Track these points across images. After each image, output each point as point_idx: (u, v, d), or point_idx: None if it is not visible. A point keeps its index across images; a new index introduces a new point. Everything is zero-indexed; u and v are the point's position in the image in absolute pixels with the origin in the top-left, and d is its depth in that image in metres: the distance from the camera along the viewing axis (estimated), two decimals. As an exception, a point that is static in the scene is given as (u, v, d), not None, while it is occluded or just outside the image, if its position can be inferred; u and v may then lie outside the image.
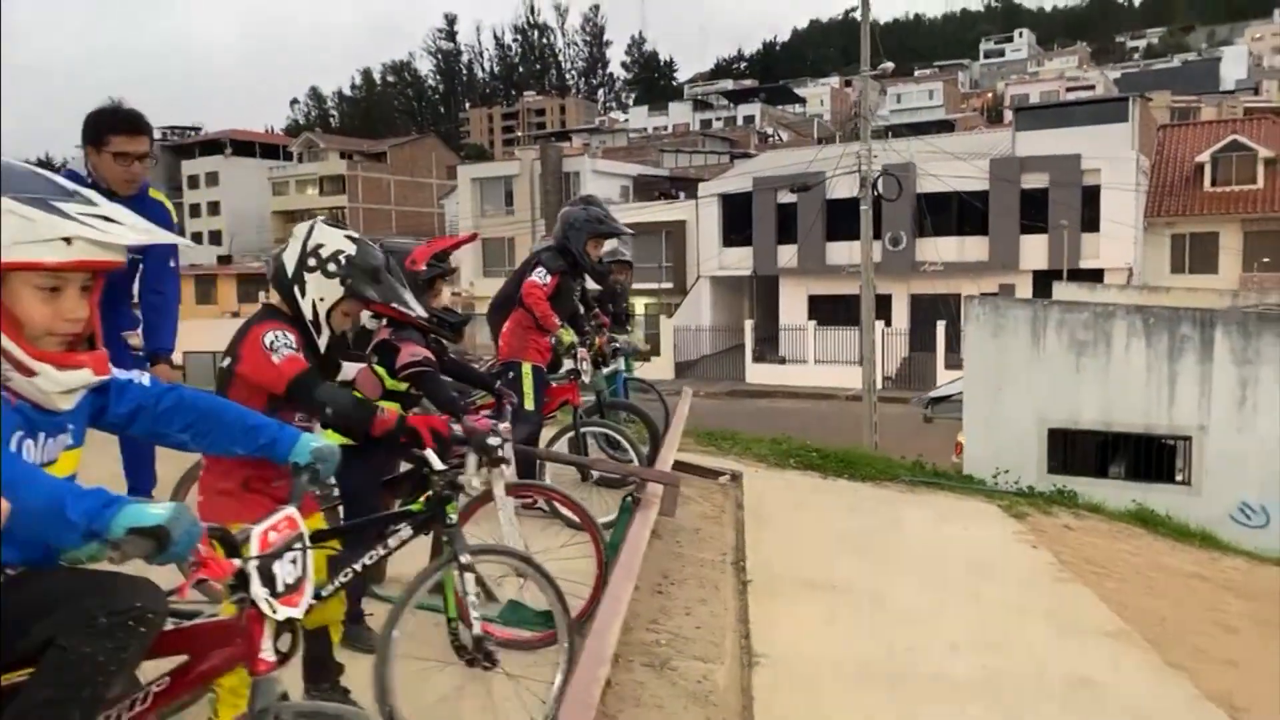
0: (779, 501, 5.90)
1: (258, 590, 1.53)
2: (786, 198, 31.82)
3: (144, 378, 1.82)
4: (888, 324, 29.34)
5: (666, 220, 35.32)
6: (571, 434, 4.89)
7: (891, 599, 4.20)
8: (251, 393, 2.38)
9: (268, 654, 1.59)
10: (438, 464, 2.55)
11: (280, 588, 1.58)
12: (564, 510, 3.63)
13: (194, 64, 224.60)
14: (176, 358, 2.67)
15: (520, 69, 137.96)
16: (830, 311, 30.16)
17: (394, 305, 2.57)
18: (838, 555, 4.78)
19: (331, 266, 2.51)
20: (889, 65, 23.68)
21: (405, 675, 2.49)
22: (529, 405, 4.65)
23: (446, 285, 3.61)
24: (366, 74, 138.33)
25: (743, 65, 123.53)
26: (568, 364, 4.91)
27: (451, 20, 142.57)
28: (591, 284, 5.76)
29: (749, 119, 73.57)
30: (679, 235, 35.29)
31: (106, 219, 1.53)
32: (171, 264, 3.94)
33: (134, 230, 1.56)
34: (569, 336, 4.80)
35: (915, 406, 14.95)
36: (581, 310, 5.39)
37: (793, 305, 32.34)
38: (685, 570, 4.51)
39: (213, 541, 1.47)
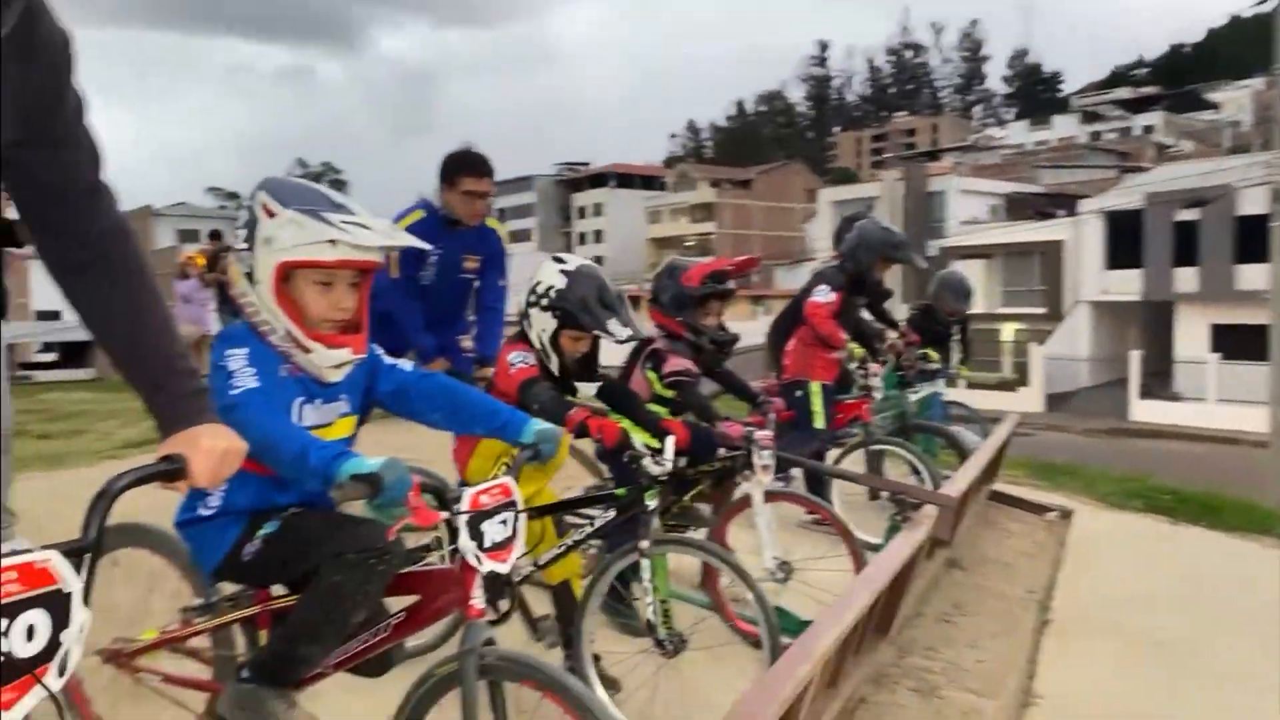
0: (1109, 544, 5.35)
1: (465, 543, 1.79)
2: (1186, 214, 28.39)
3: (407, 364, 2.19)
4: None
5: (1041, 240, 32.92)
6: (862, 451, 4.84)
7: (1215, 658, 3.68)
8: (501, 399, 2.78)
9: (478, 601, 1.84)
10: (652, 468, 2.76)
11: (488, 544, 1.82)
12: (824, 521, 3.64)
13: (590, 106, 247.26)
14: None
15: (891, 90, 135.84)
16: (1239, 343, 26.27)
17: (598, 333, 2.86)
18: (1161, 606, 4.26)
19: (544, 301, 2.87)
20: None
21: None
22: (818, 424, 4.69)
23: (723, 304, 3.80)
24: (739, 104, 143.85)
25: (1143, 72, 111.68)
26: (858, 380, 4.87)
27: (824, 46, 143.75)
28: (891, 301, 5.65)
29: (1147, 129, 66.47)
30: (1055, 256, 32.72)
31: (362, 226, 1.88)
32: (501, 282, 4.52)
33: (380, 234, 1.89)
34: (859, 352, 4.77)
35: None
36: (883, 327, 5.32)
37: (1191, 335, 28.63)
38: (983, 603, 4.29)
39: (425, 494, 1.76)
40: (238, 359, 1.91)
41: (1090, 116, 78.49)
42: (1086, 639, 3.87)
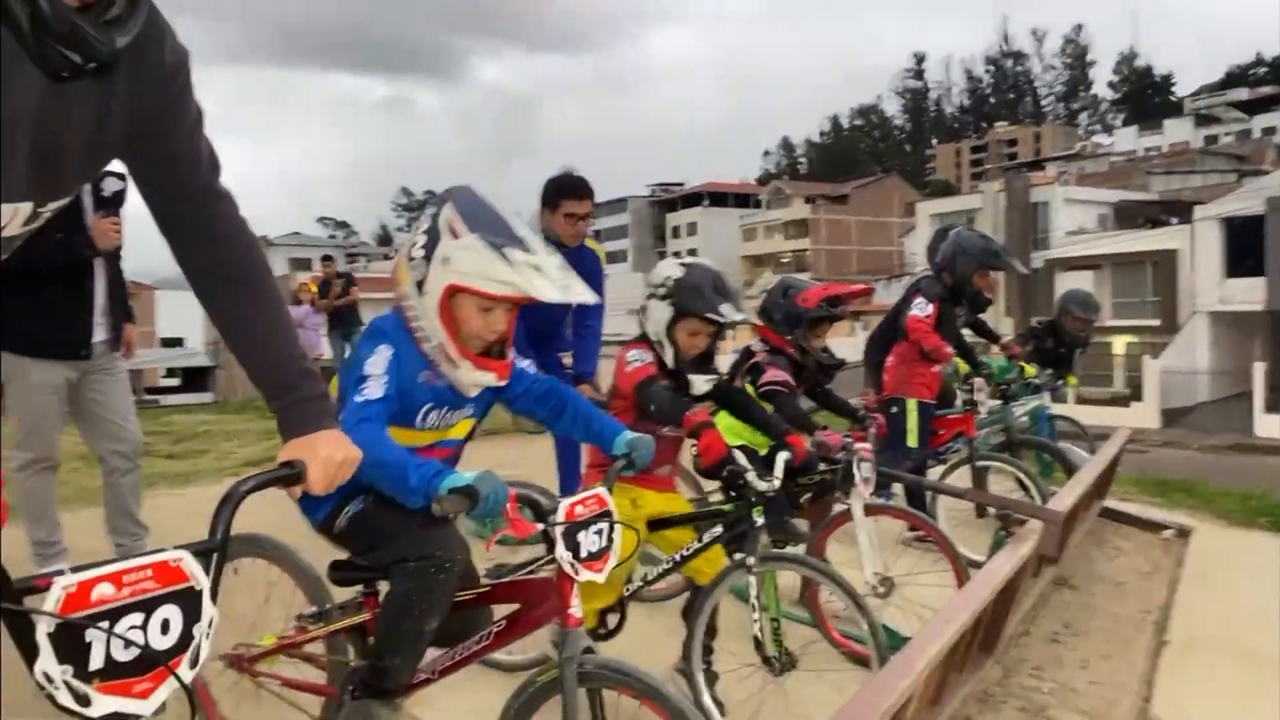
0: (1232, 563, 5.09)
1: (561, 553, 1.83)
2: (1312, 218, 26.91)
3: (531, 367, 2.28)
4: None
5: (1153, 249, 31.61)
6: (967, 467, 4.72)
7: (1348, 685, 3.47)
8: (624, 405, 2.82)
9: (575, 610, 1.88)
10: (758, 484, 2.77)
11: (583, 554, 1.86)
12: (927, 537, 3.57)
13: (684, 127, 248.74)
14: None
15: (991, 100, 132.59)
16: (1375, 354, 24.73)
17: (708, 315, 2.83)
18: (1291, 628, 4.04)
19: (661, 291, 2.89)
20: None
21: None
22: (911, 442, 4.61)
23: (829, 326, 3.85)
24: (834, 120, 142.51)
25: (1262, 71, 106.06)
26: (962, 395, 4.77)
27: (920, 58, 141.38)
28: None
29: (1268, 131, 63.13)
30: (1169, 266, 31.36)
31: (536, 269, 1.93)
32: (599, 301, 4.59)
33: (551, 287, 1.94)
34: (964, 367, 4.67)
35: None
36: (982, 338, 5.20)
37: (1321, 345, 27.07)
38: (1093, 623, 4.13)
39: (522, 506, 1.81)
40: (379, 362, 1.99)
41: (1205, 119, 75.08)
42: (1206, 661, 3.70)
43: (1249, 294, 28.52)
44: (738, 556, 2.78)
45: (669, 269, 2.94)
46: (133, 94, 1.39)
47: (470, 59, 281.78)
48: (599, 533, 1.90)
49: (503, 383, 2.11)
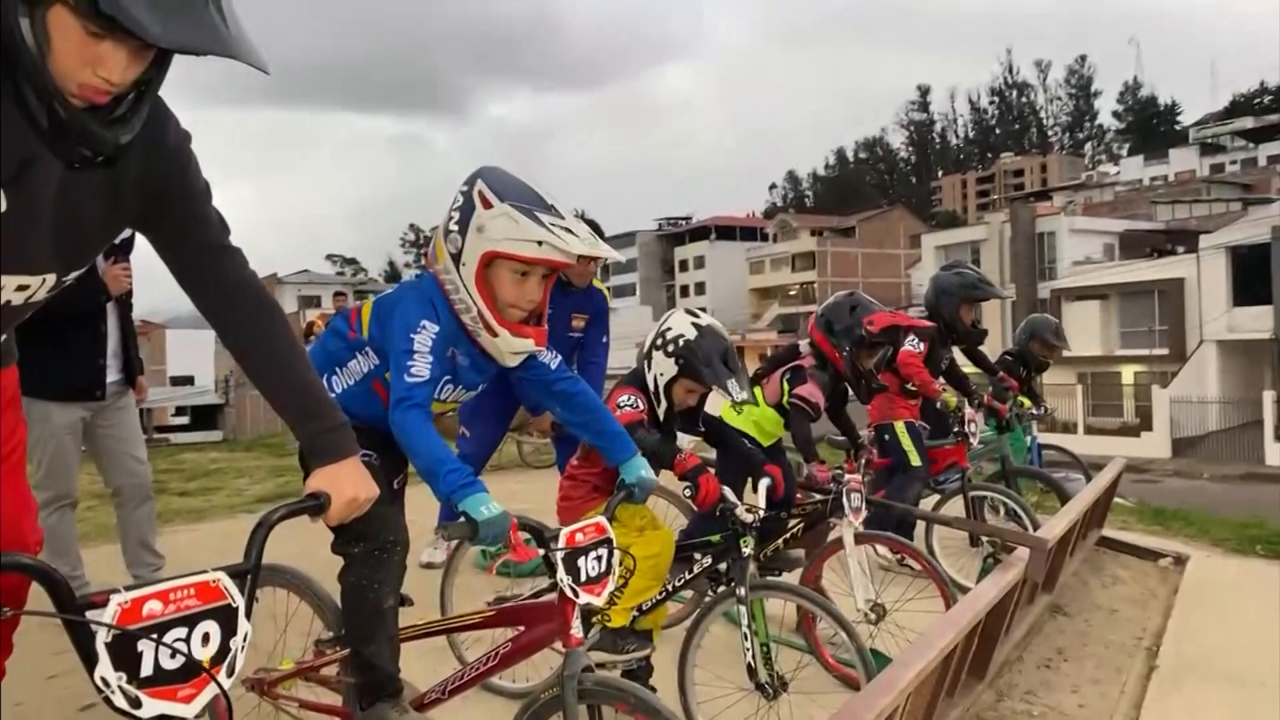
0: (1225, 590, 5.17)
1: (561, 576, 1.96)
2: (1318, 247, 26.99)
3: (554, 361, 2.36)
4: None
5: (1160, 279, 31.71)
6: (960, 498, 4.83)
7: (1335, 708, 3.55)
8: None
9: (576, 631, 2.00)
10: (744, 516, 2.87)
11: (583, 578, 1.99)
12: (911, 563, 3.68)
13: (690, 162, 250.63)
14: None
15: (997, 131, 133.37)
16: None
17: (716, 388, 2.89)
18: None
19: (671, 348, 2.94)
20: None
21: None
22: (914, 461, 4.71)
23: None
24: (840, 153, 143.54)
25: (1267, 99, 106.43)
26: (954, 427, 4.88)
27: (925, 91, 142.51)
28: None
29: (1274, 159, 63.34)
30: (1176, 295, 31.44)
31: (568, 230, 2.08)
32: (604, 339, 4.74)
33: (584, 243, 2.09)
34: (953, 400, 4.79)
35: None
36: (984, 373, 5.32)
37: (1331, 373, 27.04)
38: (1086, 649, 4.23)
39: (524, 532, 1.95)
40: (426, 340, 2.11)
41: (1210, 148, 75.42)
42: (1196, 686, 3.78)
43: (1257, 322, 28.58)
44: (729, 585, 2.89)
45: (682, 327, 2.97)
46: (143, 175, 1.60)
47: (477, 96, 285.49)
48: (599, 558, 2.02)
49: (540, 349, 2.24)
